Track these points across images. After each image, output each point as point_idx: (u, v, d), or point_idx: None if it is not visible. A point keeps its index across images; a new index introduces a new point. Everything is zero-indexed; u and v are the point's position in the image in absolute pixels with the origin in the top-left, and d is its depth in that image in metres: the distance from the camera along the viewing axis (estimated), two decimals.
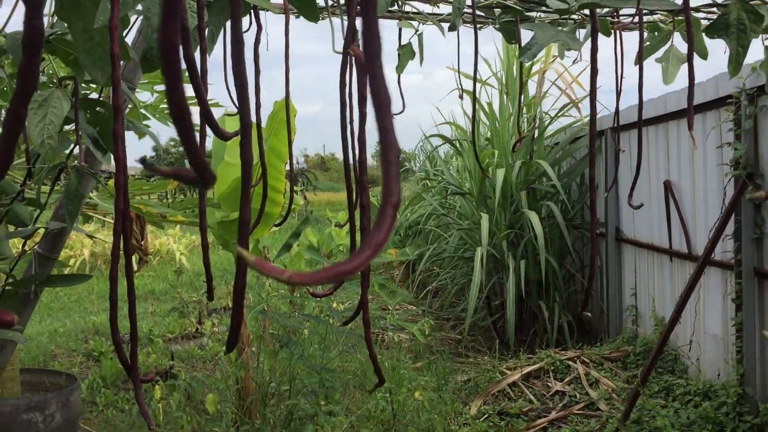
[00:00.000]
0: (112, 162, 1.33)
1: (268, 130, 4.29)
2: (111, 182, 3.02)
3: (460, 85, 2.58)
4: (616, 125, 1.90)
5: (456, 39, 2.33)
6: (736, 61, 1.34)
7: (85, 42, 1.54)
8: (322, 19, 2.15)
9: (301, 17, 2.20)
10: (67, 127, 2.16)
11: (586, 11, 1.74)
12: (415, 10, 2.14)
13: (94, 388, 5.36)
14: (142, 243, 3.77)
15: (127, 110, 3.07)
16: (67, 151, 2.39)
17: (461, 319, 7.35)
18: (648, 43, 1.89)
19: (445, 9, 2.15)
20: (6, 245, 2.77)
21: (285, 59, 1.73)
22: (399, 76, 2.44)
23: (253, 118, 1.42)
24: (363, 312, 1.41)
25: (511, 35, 1.94)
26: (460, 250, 7.58)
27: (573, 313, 6.73)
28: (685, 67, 1.94)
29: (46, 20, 2.16)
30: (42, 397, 3.72)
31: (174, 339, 6.48)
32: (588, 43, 1.73)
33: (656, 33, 1.91)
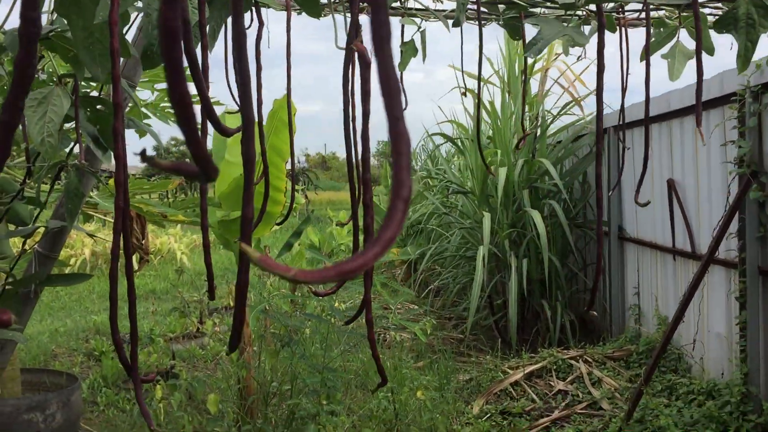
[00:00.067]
0: (113, 161, 1.31)
1: (269, 128, 4.27)
2: (111, 181, 3.00)
3: (464, 82, 2.56)
4: (621, 123, 1.88)
5: (458, 37, 2.31)
6: (744, 57, 1.32)
7: (85, 39, 1.52)
8: (324, 15, 2.13)
9: (303, 14, 2.18)
10: (67, 125, 2.15)
11: (592, 7, 1.72)
12: (417, 7, 2.12)
13: (95, 388, 5.35)
14: (143, 242, 3.76)
15: (128, 108, 3.05)
16: (67, 150, 2.37)
17: (463, 318, 7.33)
18: (653, 39, 1.87)
19: (448, 5, 2.14)
20: (6, 244, 2.76)
21: (287, 56, 1.71)
22: (401, 74, 2.42)
23: (255, 116, 1.40)
24: (366, 311, 1.39)
25: (515, 31, 1.93)
26: (462, 249, 7.56)
27: (575, 312, 6.71)
28: (689, 63, 1.92)
29: (45, 17, 2.14)
30: (43, 397, 3.70)
31: (175, 338, 6.47)
32: (591, 41, 1.71)
33: (662, 29, 1.89)
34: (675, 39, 1.88)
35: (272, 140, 4.29)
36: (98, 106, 2.09)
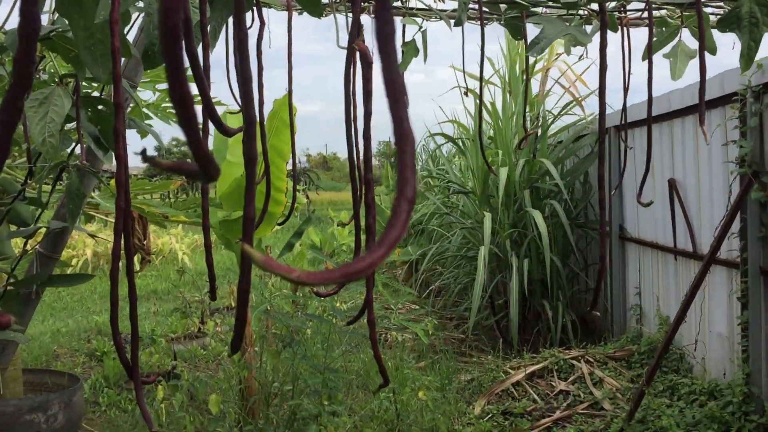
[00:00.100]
0: (114, 161, 1.31)
1: (269, 129, 4.27)
2: (113, 182, 3.00)
3: (465, 83, 2.56)
4: (623, 122, 1.88)
5: (458, 37, 2.30)
6: (747, 56, 1.32)
7: (86, 39, 1.52)
8: (325, 15, 2.13)
9: (303, 15, 2.18)
10: (68, 126, 2.14)
11: (593, 6, 1.72)
12: (419, 6, 2.12)
13: (96, 388, 5.35)
14: (145, 243, 3.75)
15: (129, 109, 3.05)
16: (69, 150, 2.37)
17: (464, 319, 7.33)
18: (655, 38, 1.86)
19: (449, 5, 2.13)
20: (8, 245, 2.76)
21: (288, 56, 1.71)
22: (402, 74, 2.41)
23: (256, 116, 1.40)
24: (368, 312, 1.39)
25: (516, 31, 1.92)
26: (463, 249, 7.55)
27: (577, 312, 6.70)
28: (691, 63, 1.92)
29: (47, 17, 2.14)
30: (44, 397, 3.70)
31: (177, 339, 6.47)
32: (593, 40, 1.70)
33: (664, 28, 1.89)
34: (677, 38, 1.88)
35: (273, 140, 4.28)
36: (99, 107, 2.09)
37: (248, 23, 1.78)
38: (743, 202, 4.13)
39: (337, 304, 4.73)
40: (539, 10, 1.90)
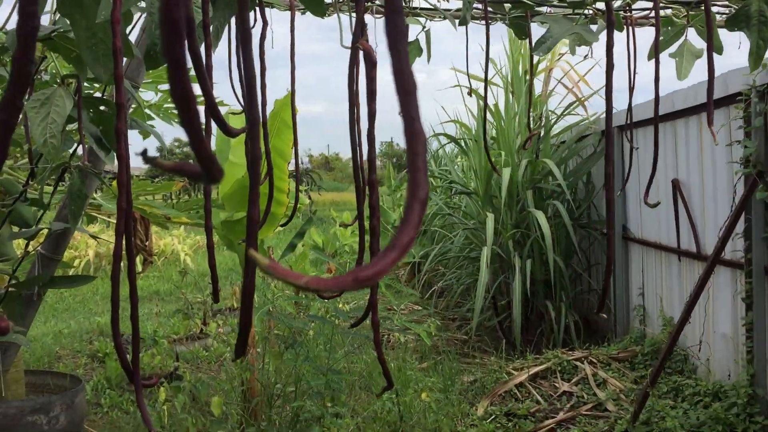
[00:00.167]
0: (116, 162, 1.30)
1: (271, 129, 4.25)
2: (115, 183, 2.99)
3: (469, 83, 2.55)
4: (629, 122, 1.86)
5: (460, 38, 2.29)
6: (756, 54, 1.30)
7: (88, 39, 1.51)
8: (329, 15, 2.11)
9: (306, 14, 2.17)
10: (70, 127, 2.13)
11: (599, 5, 1.70)
12: (423, 6, 2.11)
13: (98, 390, 5.34)
14: (147, 244, 3.74)
15: (131, 109, 3.04)
16: (71, 151, 2.36)
17: (467, 319, 7.31)
18: (661, 38, 1.84)
19: (452, 5, 2.12)
20: (9, 246, 2.75)
21: (291, 56, 1.70)
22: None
23: (260, 116, 1.39)
24: (372, 314, 1.38)
25: (521, 30, 1.91)
26: (465, 249, 7.54)
27: (580, 313, 6.68)
28: (696, 63, 1.90)
29: (48, 17, 2.13)
30: (46, 399, 3.69)
31: (179, 340, 6.46)
32: (599, 39, 1.69)
33: (669, 27, 1.87)
34: (683, 38, 1.86)
35: (274, 141, 4.27)
36: (101, 107, 2.08)
37: (251, 23, 1.77)
38: (748, 203, 4.11)
39: (340, 305, 4.72)
40: (544, 9, 1.89)
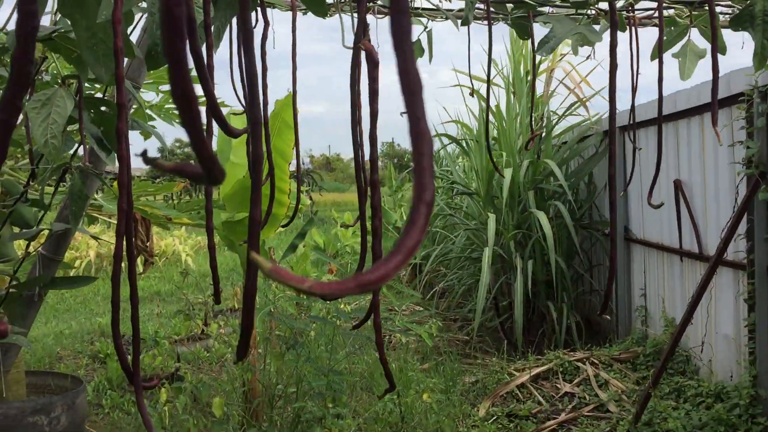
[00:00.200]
0: (117, 163, 1.29)
1: (272, 129, 4.25)
2: (116, 183, 2.99)
3: (471, 83, 2.54)
4: (631, 123, 1.85)
5: (461, 38, 2.29)
6: (761, 55, 1.29)
7: (89, 39, 1.50)
8: (330, 15, 2.11)
9: (307, 15, 2.16)
10: (70, 127, 2.13)
11: (602, 5, 1.70)
12: (425, 6, 2.10)
13: (100, 391, 5.33)
14: (148, 244, 3.74)
15: (132, 110, 3.04)
16: (71, 152, 2.36)
17: (468, 320, 7.30)
18: (664, 38, 1.84)
19: (455, 5, 2.11)
20: (10, 247, 2.74)
21: (292, 56, 1.69)
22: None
23: (261, 116, 1.38)
24: (374, 315, 1.37)
25: (523, 31, 1.90)
26: (467, 250, 7.53)
27: (581, 314, 6.67)
28: (700, 63, 1.90)
29: (49, 18, 2.12)
30: (47, 399, 3.68)
31: (180, 341, 6.45)
32: (603, 39, 1.68)
33: (672, 28, 1.87)
34: (686, 38, 1.86)
35: (275, 141, 4.26)
36: (102, 108, 2.07)
37: (252, 23, 1.76)
38: (750, 203, 4.10)
39: (342, 306, 4.71)
40: (546, 9, 1.88)
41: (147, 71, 2.79)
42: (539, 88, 7.45)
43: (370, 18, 2.09)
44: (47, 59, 2.22)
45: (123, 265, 1.08)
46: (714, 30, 1.23)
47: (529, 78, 7.21)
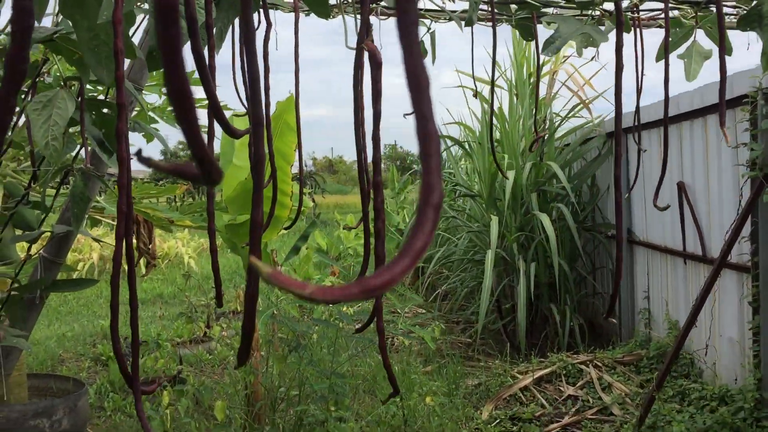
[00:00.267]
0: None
1: (273, 131, 4.23)
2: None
3: (474, 84, 2.53)
4: (636, 124, 1.84)
5: (463, 41, 2.27)
6: None
7: (90, 40, 1.49)
8: (333, 17, 2.10)
9: (308, 18, 2.15)
10: (72, 129, 2.12)
11: (606, 6, 1.68)
12: (428, 7, 2.09)
13: (102, 393, 5.32)
14: (150, 247, 3.73)
15: (135, 112, 3.03)
16: (73, 153, 2.35)
17: (471, 323, 7.28)
18: (669, 39, 1.82)
19: (458, 6, 2.10)
20: (12, 249, 2.74)
21: (295, 57, 1.68)
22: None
23: (264, 117, 1.37)
24: (377, 319, 1.35)
25: (527, 32, 1.89)
26: (469, 252, 7.51)
27: (584, 316, 6.65)
28: (706, 63, 1.88)
29: (50, 19, 2.11)
30: (49, 402, 3.67)
31: (182, 343, 6.44)
32: (602, 44, 1.67)
33: (677, 29, 1.85)
34: (691, 39, 1.84)
35: (277, 143, 4.24)
36: (104, 110, 2.06)
37: (255, 24, 1.75)
38: (754, 206, 4.08)
39: (344, 308, 4.69)
40: (550, 10, 1.87)
41: (149, 73, 2.79)
42: (542, 90, 7.44)
43: (373, 19, 2.08)
44: (49, 61, 2.21)
45: (125, 267, 1.07)
46: (722, 30, 1.22)
47: (531, 80, 7.19)
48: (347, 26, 1.72)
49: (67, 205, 2.79)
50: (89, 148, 1.96)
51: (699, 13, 1.83)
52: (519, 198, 6.80)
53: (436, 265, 7.87)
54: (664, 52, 1.48)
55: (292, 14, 1.87)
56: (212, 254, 1.35)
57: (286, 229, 2.67)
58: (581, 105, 7.28)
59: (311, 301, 0.31)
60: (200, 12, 1.38)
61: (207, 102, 1.14)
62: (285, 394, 4.02)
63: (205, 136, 1.27)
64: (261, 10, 1.72)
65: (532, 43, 1.99)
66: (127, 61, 2.59)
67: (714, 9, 1.87)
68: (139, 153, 0.38)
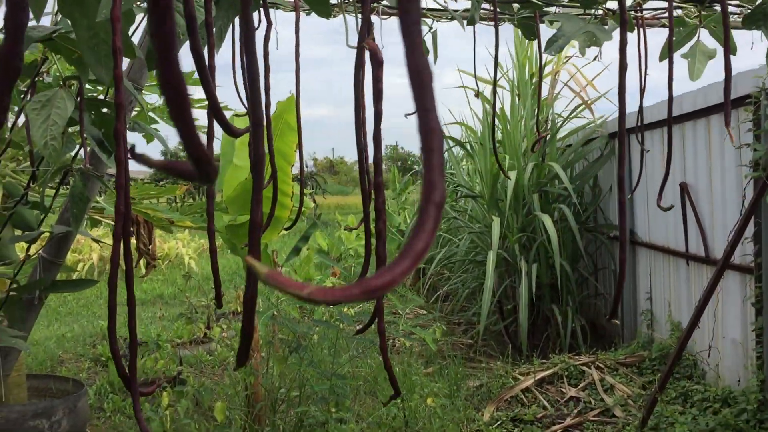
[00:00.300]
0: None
1: (274, 131, 4.22)
2: None
3: (477, 84, 2.51)
4: (639, 124, 1.83)
5: (465, 40, 2.26)
6: None
7: (89, 39, 1.48)
8: (334, 16, 2.09)
9: (309, 18, 2.14)
10: (71, 129, 2.11)
11: (610, 5, 1.67)
12: (431, 6, 2.08)
13: (101, 394, 5.31)
14: (150, 247, 3.72)
15: (135, 113, 3.02)
16: (73, 154, 2.34)
17: (472, 324, 7.26)
18: (673, 38, 1.81)
19: (460, 5, 2.09)
20: (12, 249, 2.72)
21: (295, 55, 1.67)
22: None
23: (264, 116, 1.35)
24: (378, 321, 1.34)
25: (529, 31, 1.87)
26: (471, 253, 7.49)
27: (586, 318, 6.63)
28: (709, 63, 1.87)
29: (49, 18, 2.10)
30: (49, 403, 3.66)
31: (182, 344, 6.43)
32: (605, 44, 1.66)
33: (681, 28, 1.84)
34: (695, 38, 1.83)
35: (277, 143, 4.23)
36: (103, 109, 2.05)
37: (255, 24, 1.74)
38: (757, 207, 4.06)
39: (345, 309, 4.68)
40: (553, 9, 1.86)
41: (149, 72, 2.77)
42: (544, 90, 7.42)
43: (374, 18, 2.06)
44: (48, 60, 2.20)
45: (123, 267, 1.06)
46: (726, 29, 1.20)
47: (533, 80, 7.18)
48: (348, 25, 1.71)
49: (66, 206, 2.78)
50: (88, 148, 1.95)
51: (703, 12, 1.81)
52: (521, 199, 6.79)
53: (437, 266, 7.85)
54: (668, 51, 1.47)
55: (293, 13, 1.86)
56: (212, 255, 1.33)
57: (286, 229, 2.66)
58: (583, 105, 7.26)
59: (310, 302, 0.30)
60: (199, 10, 1.37)
61: (207, 102, 1.12)
62: (285, 396, 4.01)
63: (204, 137, 1.26)
64: (261, 9, 1.71)
65: (534, 43, 1.97)
66: (126, 61, 2.58)
67: (718, 8, 1.86)
68: (132, 149, 0.37)
